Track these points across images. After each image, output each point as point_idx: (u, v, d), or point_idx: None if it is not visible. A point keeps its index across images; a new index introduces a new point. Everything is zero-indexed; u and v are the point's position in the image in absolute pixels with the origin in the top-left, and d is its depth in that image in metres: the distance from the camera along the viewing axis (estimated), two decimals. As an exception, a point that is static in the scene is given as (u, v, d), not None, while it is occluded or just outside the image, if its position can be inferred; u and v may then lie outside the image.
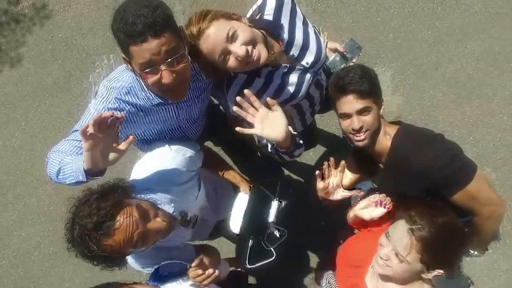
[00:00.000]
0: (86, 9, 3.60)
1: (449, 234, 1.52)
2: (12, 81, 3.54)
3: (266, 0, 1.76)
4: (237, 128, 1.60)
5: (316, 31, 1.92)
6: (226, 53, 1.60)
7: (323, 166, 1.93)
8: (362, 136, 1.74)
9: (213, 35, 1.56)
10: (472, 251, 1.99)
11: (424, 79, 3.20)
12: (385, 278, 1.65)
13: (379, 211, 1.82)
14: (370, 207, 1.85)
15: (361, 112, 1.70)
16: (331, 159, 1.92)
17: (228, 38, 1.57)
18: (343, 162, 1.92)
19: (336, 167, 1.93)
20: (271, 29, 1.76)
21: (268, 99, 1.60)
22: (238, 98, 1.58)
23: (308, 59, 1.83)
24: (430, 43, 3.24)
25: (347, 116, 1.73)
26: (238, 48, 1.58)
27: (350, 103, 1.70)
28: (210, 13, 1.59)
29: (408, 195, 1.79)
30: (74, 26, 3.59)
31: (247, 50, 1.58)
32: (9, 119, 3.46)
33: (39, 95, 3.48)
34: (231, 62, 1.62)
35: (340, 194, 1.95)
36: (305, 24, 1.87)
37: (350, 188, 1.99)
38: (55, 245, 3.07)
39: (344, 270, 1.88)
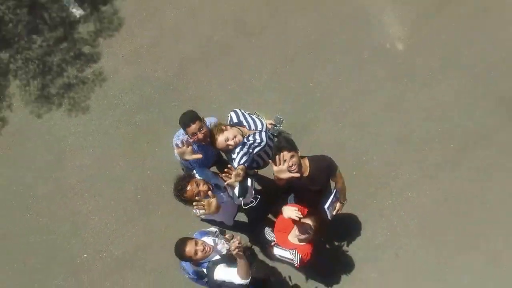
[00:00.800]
0: (128, 75, 5.64)
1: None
2: (82, 123, 5.58)
3: (231, 117, 3.84)
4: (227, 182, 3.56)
5: (257, 115, 3.95)
6: (227, 146, 3.61)
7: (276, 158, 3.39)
8: (294, 169, 3.44)
9: (220, 142, 3.59)
10: (343, 202, 3.98)
11: (333, 125, 5.25)
12: (299, 239, 3.78)
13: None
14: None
15: (290, 157, 3.41)
16: (282, 154, 3.38)
17: (225, 141, 3.58)
18: (288, 155, 3.39)
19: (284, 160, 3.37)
20: (238, 124, 3.83)
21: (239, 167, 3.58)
22: (223, 174, 3.56)
23: (259, 125, 3.85)
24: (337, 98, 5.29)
25: (284, 161, 3.41)
26: (230, 142, 3.58)
27: (284, 155, 3.40)
28: (215, 130, 3.60)
29: (315, 190, 3.76)
30: (120, 86, 5.63)
31: (234, 142, 3.59)
32: (82, 147, 5.49)
33: (100, 132, 5.52)
34: (230, 147, 3.62)
35: (287, 175, 3.42)
36: (249, 115, 3.89)
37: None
38: (116, 224, 5.13)
39: (279, 229, 4.00)
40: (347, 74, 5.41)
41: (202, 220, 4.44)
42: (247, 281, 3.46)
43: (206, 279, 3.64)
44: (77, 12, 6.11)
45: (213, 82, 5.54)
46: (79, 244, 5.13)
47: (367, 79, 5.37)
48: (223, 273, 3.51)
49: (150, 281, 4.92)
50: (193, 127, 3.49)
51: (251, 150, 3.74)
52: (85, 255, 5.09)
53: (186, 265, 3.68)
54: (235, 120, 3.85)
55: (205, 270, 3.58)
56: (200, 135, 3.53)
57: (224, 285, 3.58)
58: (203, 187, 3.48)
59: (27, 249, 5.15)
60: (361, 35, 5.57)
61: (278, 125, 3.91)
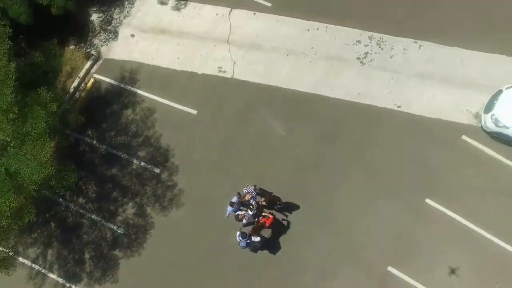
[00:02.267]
0: (192, 188, 14.18)
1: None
2: (177, 212, 13.96)
3: (244, 191, 12.67)
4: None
5: (249, 186, 12.78)
6: (247, 200, 12.60)
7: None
8: (264, 201, 12.81)
9: (245, 200, 12.55)
10: (281, 203, 13.14)
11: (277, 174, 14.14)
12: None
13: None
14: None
15: (264, 197, 12.78)
16: (261, 199, 12.80)
17: (246, 199, 12.56)
18: (262, 197, 12.82)
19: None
20: (248, 192, 12.70)
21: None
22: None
23: (252, 189, 12.70)
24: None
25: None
26: (248, 199, 12.55)
27: (266, 195, 12.83)
28: (240, 198, 12.50)
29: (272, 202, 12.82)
30: (191, 194, 14.11)
31: (248, 199, 12.58)
32: (179, 221, 13.83)
33: (187, 215, 13.91)
34: (247, 201, 12.60)
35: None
36: (247, 187, 12.71)
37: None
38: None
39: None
40: (261, 146, 14.28)
41: (244, 226, 12.96)
42: (259, 238, 12.41)
43: (250, 244, 12.35)
44: (156, 170, 14.55)
45: (226, 185, 14.12)
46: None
47: (267, 141, 14.27)
48: (253, 237, 12.31)
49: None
50: (233, 204, 12.35)
51: (254, 199, 12.54)
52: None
53: (241, 242, 12.30)
54: (245, 191, 12.61)
55: (248, 241, 12.27)
56: (235, 206, 12.38)
57: (256, 242, 12.42)
58: (243, 215, 12.32)
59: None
60: (265, 130, 14.51)
61: (257, 187, 12.80)
